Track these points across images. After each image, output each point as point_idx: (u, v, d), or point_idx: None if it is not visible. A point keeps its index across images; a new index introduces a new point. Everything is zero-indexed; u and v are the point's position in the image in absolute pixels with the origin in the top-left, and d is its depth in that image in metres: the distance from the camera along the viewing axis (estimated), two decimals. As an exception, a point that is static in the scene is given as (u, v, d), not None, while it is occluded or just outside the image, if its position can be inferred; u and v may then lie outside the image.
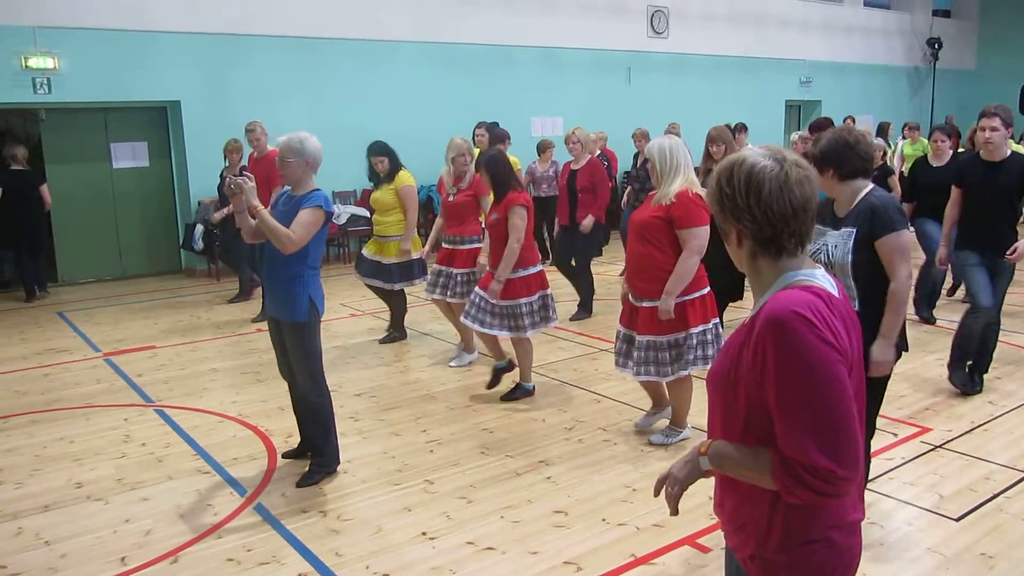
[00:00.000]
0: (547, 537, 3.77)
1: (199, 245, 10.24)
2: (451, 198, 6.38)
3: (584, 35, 13.88)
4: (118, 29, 9.93)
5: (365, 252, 7.07)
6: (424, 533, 3.83)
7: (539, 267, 5.48)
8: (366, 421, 5.34)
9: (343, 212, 11.09)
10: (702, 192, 4.31)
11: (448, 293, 6.29)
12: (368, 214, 6.56)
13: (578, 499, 4.14)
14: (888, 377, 3.47)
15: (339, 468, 4.53)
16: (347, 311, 8.54)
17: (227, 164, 8.65)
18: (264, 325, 7.14)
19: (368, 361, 6.73)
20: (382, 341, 7.23)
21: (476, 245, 6.29)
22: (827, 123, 7.20)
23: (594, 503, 4.10)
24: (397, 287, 6.98)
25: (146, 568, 3.59)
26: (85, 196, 10.49)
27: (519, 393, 5.62)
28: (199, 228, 10.18)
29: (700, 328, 4.49)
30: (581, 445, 4.84)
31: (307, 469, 4.44)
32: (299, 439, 4.73)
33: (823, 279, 1.72)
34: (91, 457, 4.87)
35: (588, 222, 7.71)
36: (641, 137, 10.11)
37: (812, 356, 1.57)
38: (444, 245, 6.44)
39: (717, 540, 3.68)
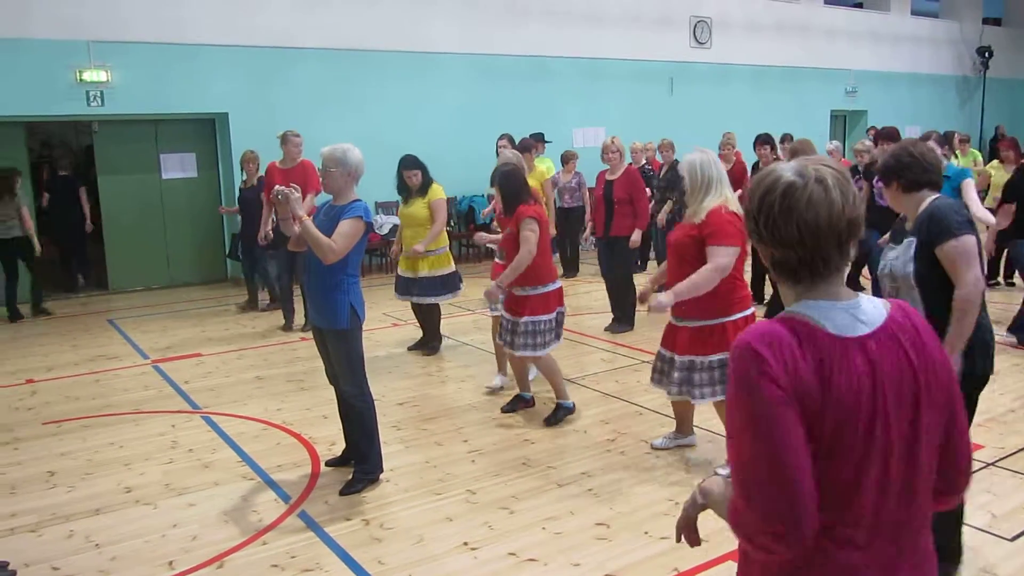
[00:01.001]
0: (589, 549, 3.75)
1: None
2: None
3: (627, 46, 13.88)
4: (168, 43, 10.16)
5: (400, 271, 7.01)
6: (466, 543, 3.84)
7: (558, 283, 5.33)
8: (408, 430, 5.37)
9: (385, 222, 11.18)
10: (739, 209, 4.21)
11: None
12: None
13: (620, 511, 4.12)
14: (971, 394, 3.19)
15: (382, 476, 4.56)
16: (389, 320, 8.61)
17: (244, 175, 8.73)
18: (309, 334, 7.24)
19: (410, 370, 6.77)
20: (411, 348, 7.31)
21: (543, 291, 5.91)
22: (895, 132, 6.78)
23: (636, 516, 4.07)
24: (430, 301, 6.94)
25: (193, 572, 3.64)
26: (135, 206, 10.73)
27: (561, 413, 5.45)
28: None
29: None
30: (623, 457, 4.82)
31: (351, 477, 4.48)
32: (343, 447, 4.77)
33: (834, 310, 1.49)
34: (140, 462, 4.96)
35: (637, 236, 7.61)
36: (667, 148, 10.05)
37: (750, 393, 1.42)
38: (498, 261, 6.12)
39: (762, 556, 3.63)
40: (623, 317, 7.94)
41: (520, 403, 5.65)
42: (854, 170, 7.76)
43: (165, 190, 10.94)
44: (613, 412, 5.60)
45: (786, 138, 11.28)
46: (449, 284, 6.97)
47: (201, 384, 6.53)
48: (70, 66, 9.66)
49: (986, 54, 19.22)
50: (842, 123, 17.92)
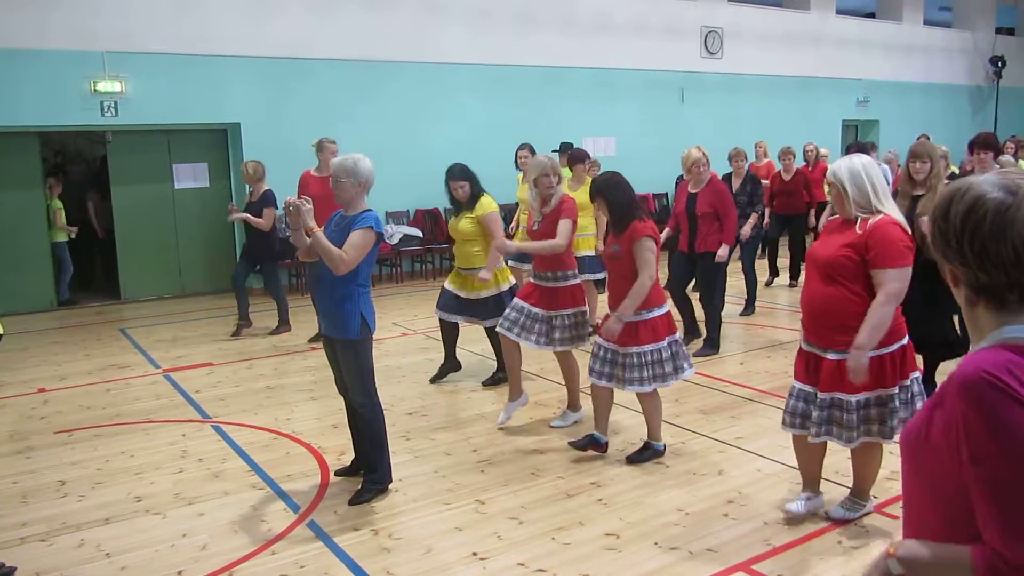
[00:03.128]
0: (599, 560, 3.74)
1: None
2: (536, 226, 5.47)
3: (638, 56, 13.89)
4: (182, 54, 10.24)
5: (447, 285, 6.43)
6: (475, 553, 3.82)
7: (667, 307, 4.78)
8: (417, 440, 5.37)
9: (396, 232, 11.17)
10: (903, 222, 3.71)
11: (544, 340, 5.34)
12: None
13: (630, 522, 4.10)
14: None
15: (391, 486, 4.55)
16: (399, 330, 8.61)
17: (250, 189, 8.52)
18: (318, 344, 7.24)
19: (420, 380, 6.77)
20: (486, 383, 6.57)
21: (575, 282, 5.40)
22: (992, 138, 6.26)
23: (646, 526, 4.05)
24: (488, 324, 6.29)
25: (202, 582, 3.65)
26: (147, 216, 10.80)
27: (649, 454, 4.92)
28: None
29: (897, 387, 3.72)
30: (633, 467, 4.79)
31: (359, 487, 4.48)
32: (352, 456, 4.78)
33: None
34: (150, 471, 4.97)
35: (724, 251, 7.10)
36: (737, 157, 9.09)
37: (1010, 426, 1.30)
38: (535, 281, 5.45)
39: (771, 567, 3.61)
40: (712, 340, 7.36)
41: (592, 444, 4.96)
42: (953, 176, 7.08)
43: (177, 200, 11.01)
44: (623, 423, 5.58)
45: (868, 147, 10.52)
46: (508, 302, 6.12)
47: (211, 393, 6.54)
48: (84, 77, 9.75)
49: (999, 64, 19.14)
50: (854, 133, 17.87)
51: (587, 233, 7.54)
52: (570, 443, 5.03)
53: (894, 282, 3.57)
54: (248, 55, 10.66)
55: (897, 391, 3.71)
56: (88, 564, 3.85)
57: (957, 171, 9.38)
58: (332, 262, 4.13)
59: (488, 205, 6.13)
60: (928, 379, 5.24)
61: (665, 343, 4.66)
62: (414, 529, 4.10)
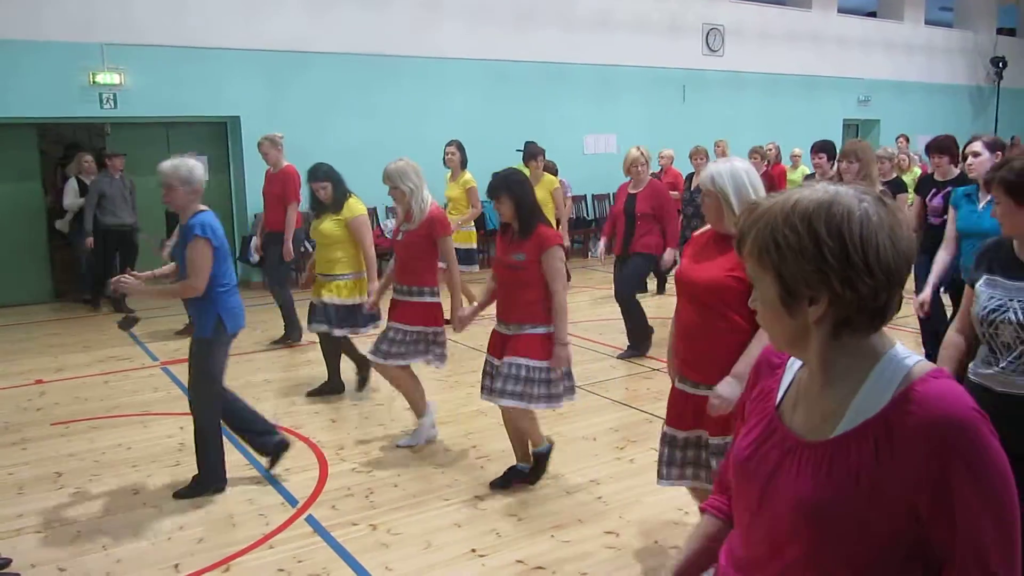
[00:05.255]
0: (598, 558, 3.72)
1: (254, 258, 10.37)
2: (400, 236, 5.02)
3: (639, 53, 13.86)
4: (182, 46, 10.19)
5: (313, 298, 6.00)
6: (474, 550, 3.81)
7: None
8: (416, 435, 5.34)
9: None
10: None
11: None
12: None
13: (630, 520, 4.08)
14: None
15: (392, 480, 4.53)
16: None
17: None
18: (315, 338, 7.19)
19: (420, 375, 6.73)
20: (309, 393, 6.16)
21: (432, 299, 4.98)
22: (947, 141, 6.16)
23: (646, 525, 4.03)
24: (337, 333, 5.88)
25: (199, 575, 3.62)
26: (145, 208, 10.72)
27: (511, 474, 4.52)
28: (255, 241, 10.33)
29: None
30: (633, 465, 4.78)
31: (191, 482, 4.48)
32: (351, 451, 4.75)
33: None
34: (147, 464, 4.95)
35: (669, 255, 6.95)
36: (697, 155, 9.65)
37: (1003, 467, 1.23)
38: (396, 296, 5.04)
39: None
40: (637, 343, 7.17)
41: (516, 478, 4.51)
42: (900, 182, 6.98)
43: (176, 193, 10.94)
44: (622, 420, 5.56)
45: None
46: (363, 316, 5.88)
47: (210, 387, 6.51)
48: (83, 68, 9.70)
49: (1000, 64, 19.12)
50: (854, 132, 17.84)
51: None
52: (491, 484, 4.53)
53: None
54: (248, 48, 10.61)
55: None
56: (84, 556, 3.82)
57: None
58: (187, 294, 4.24)
59: (356, 208, 5.82)
60: None
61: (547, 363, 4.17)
62: (413, 525, 4.08)
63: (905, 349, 1.33)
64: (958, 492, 1.20)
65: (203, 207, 4.31)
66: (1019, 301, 2.64)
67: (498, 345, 4.31)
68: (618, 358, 7.08)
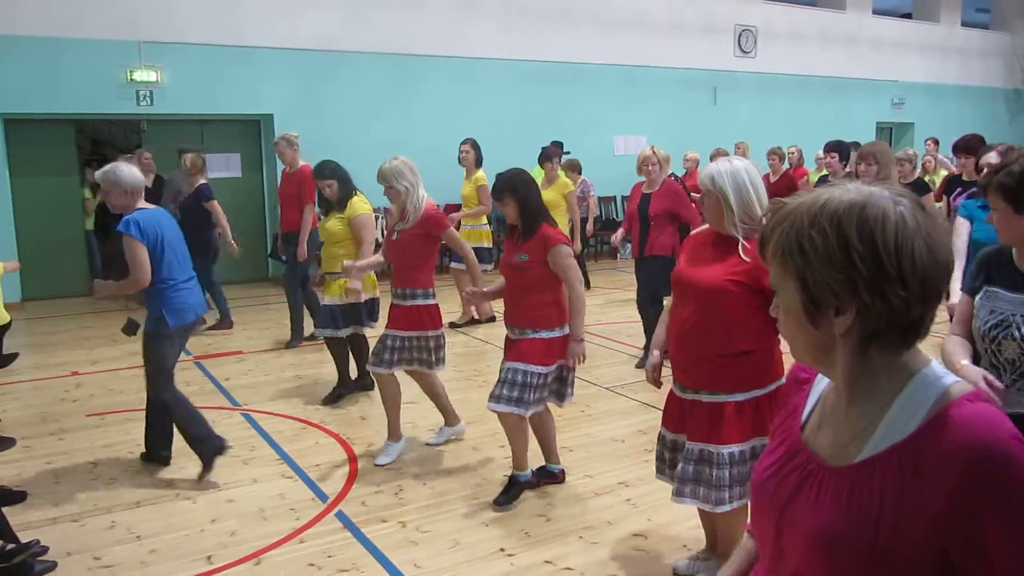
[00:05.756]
0: (626, 560, 3.72)
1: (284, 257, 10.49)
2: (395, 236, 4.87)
3: (670, 54, 13.82)
4: (218, 44, 10.33)
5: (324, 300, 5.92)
6: (502, 549, 3.82)
7: (567, 329, 4.17)
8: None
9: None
10: None
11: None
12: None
13: (658, 523, 4.08)
14: None
15: (422, 480, 4.56)
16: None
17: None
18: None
19: (447, 375, 6.75)
20: (324, 401, 6.02)
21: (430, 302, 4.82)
22: (974, 141, 5.99)
23: (675, 528, 4.03)
24: (342, 333, 5.76)
25: (231, 568, 3.67)
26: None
27: (515, 490, 4.35)
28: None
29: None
30: (661, 468, 4.77)
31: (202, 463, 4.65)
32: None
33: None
34: (181, 456, 5.00)
35: None
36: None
37: None
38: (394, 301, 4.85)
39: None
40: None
41: (522, 489, 4.38)
42: (922, 184, 6.75)
43: (210, 189, 11.08)
44: (650, 422, 5.54)
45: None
46: (367, 313, 5.79)
47: (241, 381, 6.60)
48: (121, 66, 9.85)
49: (1038, 67, 18.83)
50: (888, 135, 17.65)
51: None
52: (495, 501, 4.32)
53: None
54: (283, 47, 10.72)
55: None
56: (118, 546, 3.89)
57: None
58: (131, 288, 4.45)
59: (360, 207, 5.79)
60: None
61: (554, 367, 4.14)
62: (442, 523, 4.10)
63: (942, 368, 1.21)
64: (992, 534, 1.07)
65: (146, 205, 4.51)
66: (1022, 316, 2.52)
67: (506, 349, 4.30)
68: (636, 367, 6.86)
